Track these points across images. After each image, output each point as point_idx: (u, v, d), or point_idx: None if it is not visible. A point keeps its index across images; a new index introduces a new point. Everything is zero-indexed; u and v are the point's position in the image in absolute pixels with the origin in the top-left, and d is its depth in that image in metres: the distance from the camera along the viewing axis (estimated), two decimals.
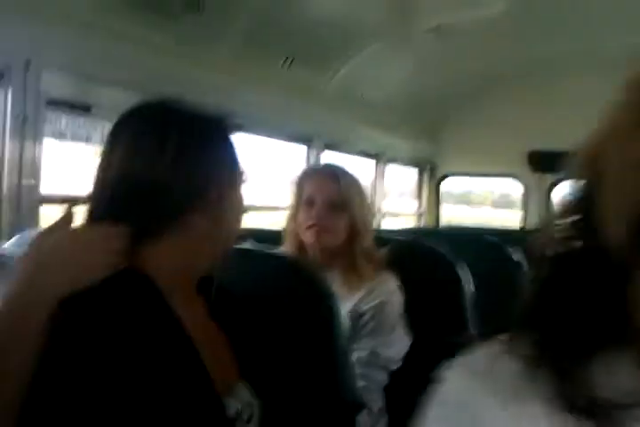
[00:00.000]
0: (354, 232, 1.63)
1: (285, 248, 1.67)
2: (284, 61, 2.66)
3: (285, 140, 3.03)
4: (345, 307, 1.50)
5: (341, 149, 3.30)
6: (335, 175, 1.65)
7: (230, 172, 0.90)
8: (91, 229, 0.85)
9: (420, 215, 4.39)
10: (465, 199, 5.30)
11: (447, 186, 4.44)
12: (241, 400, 0.90)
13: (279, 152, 3.08)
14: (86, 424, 0.72)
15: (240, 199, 0.93)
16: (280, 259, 1.31)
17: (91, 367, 0.74)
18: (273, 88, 2.64)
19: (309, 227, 1.61)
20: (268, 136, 2.86)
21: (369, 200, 1.75)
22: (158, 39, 2.03)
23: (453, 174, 4.35)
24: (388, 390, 1.62)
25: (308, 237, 1.62)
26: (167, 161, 0.83)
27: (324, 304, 1.11)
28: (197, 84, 2.07)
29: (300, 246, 1.65)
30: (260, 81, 2.54)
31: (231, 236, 0.94)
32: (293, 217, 1.67)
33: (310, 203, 1.64)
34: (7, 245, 1.19)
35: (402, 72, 3.39)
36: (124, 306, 0.79)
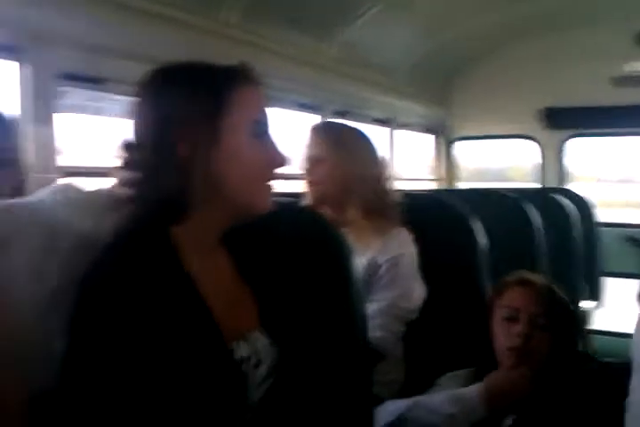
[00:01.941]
0: (346, 182, 1.66)
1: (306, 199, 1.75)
2: (290, 27, 2.66)
3: (295, 109, 3.04)
4: (361, 261, 1.55)
5: (351, 115, 3.30)
6: (316, 130, 1.74)
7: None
8: None
9: (436, 180, 4.40)
10: (480, 176, 5.25)
11: (463, 152, 4.41)
12: (253, 346, 0.95)
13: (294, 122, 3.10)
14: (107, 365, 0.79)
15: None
16: (298, 209, 1.36)
17: (108, 315, 0.81)
18: (278, 56, 2.65)
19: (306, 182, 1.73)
20: (278, 106, 2.87)
21: (375, 153, 1.78)
22: (167, 10, 2.04)
23: (466, 138, 4.32)
24: (405, 340, 1.67)
25: (319, 190, 1.71)
26: None
27: (338, 254, 1.15)
28: (206, 52, 2.08)
29: (316, 199, 1.72)
30: (266, 49, 2.54)
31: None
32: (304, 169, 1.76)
33: (307, 158, 1.73)
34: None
35: (407, 34, 3.37)
36: (138, 258, 0.87)
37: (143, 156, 0.91)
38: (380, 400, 1.42)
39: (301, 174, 1.74)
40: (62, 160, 1.69)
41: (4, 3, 1.59)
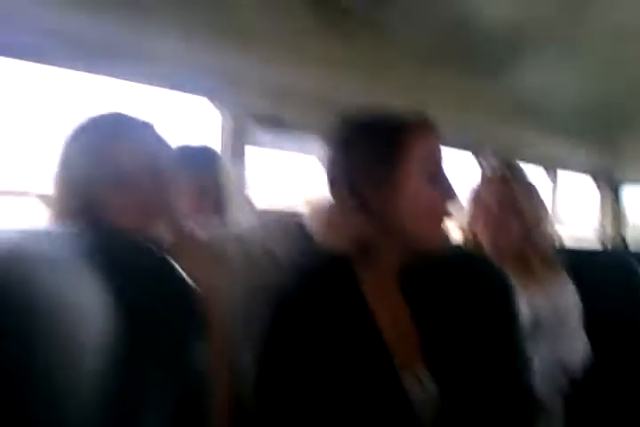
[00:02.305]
0: (526, 233, 1.65)
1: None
2: (456, 72, 2.72)
3: (457, 148, 3.07)
4: (524, 310, 1.52)
5: (513, 157, 3.26)
6: (506, 177, 1.71)
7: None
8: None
9: (599, 228, 4.17)
10: None
11: (630, 201, 4.15)
12: (418, 378, 1.01)
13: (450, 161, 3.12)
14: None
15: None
16: (465, 252, 1.38)
17: (297, 334, 0.95)
18: (445, 99, 2.70)
19: (483, 227, 1.69)
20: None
21: (542, 203, 1.76)
22: (346, 56, 2.19)
23: (634, 183, 4.07)
24: (566, 398, 1.59)
25: (481, 236, 1.70)
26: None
27: (505, 298, 1.16)
28: (384, 95, 2.20)
29: (479, 246, 1.72)
30: (432, 93, 2.62)
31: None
32: (469, 219, 1.76)
33: (483, 205, 1.71)
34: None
35: (576, 77, 3.28)
36: (325, 287, 1.00)
37: (331, 195, 1.01)
38: None
39: (480, 218, 1.74)
40: (252, 192, 1.87)
41: (205, 52, 1.80)
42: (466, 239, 1.76)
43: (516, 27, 2.67)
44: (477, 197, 1.75)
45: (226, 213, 1.50)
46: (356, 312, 0.98)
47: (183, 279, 0.66)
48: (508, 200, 1.68)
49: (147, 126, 1.14)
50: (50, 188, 1.09)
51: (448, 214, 1.05)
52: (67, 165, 1.07)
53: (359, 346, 0.95)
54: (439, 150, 1.06)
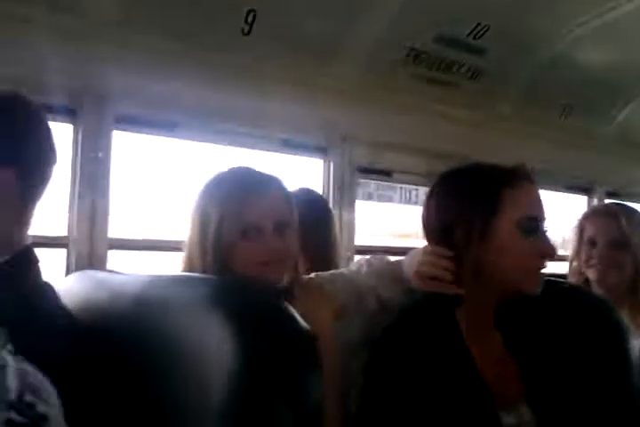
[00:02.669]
0: (637, 267, 1.64)
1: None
2: (562, 112, 2.73)
3: (563, 191, 3.03)
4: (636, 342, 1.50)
5: (625, 196, 3.17)
6: (615, 214, 1.69)
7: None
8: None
9: None
10: None
11: None
12: (520, 418, 1.02)
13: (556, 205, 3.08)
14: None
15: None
16: (572, 286, 1.38)
17: (396, 374, 0.99)
18: (552, 140, 2.71)
19: (591, 266, 1.68)
20: (547, 189, 2.90)
21: None
22: (443, 108, 2.29)
23: None
24: None
25: (592, 275, 1.68)
26: None
27: (616, 335, 1.16)
28: (479, 143, 2.27)
29: (585, 284, 1.70)
30: (537, 135, 2.63)
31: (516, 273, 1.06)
32: (577, 256, 1.74)
33: (592, 243, 1.69)
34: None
35: None
36: (426, 329, 1.04)
37: (429, 241, 1.11)
38: None
39: (590, 258, 1.71)
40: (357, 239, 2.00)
41: (317, 111, 1.97)
42: (573, 277, 1.75)
43: (623, 68, 2.66)
44: (583, 234, 1.73)
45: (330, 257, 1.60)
46: (454, 352, 1.02)
47: (301, 328, 0.75)
48: (616, 235, 1.65)
49: (273, 179, 1.19)
50: (184, 238, 1.17)
51: (543, 267, 1.05)
52: (201, 215, 1.14)
53: (458, 384, 0.98)
54: (537, 203, 1.07)
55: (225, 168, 1.23)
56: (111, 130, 1.58)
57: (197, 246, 1.15)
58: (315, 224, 1.54)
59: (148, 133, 1.69)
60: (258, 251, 1.14)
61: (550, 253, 1.04)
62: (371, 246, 2.10)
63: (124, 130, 1.64)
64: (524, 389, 1.06)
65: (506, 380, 1.06)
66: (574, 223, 1.79)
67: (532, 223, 1.04)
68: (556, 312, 1.19)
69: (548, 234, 1.07)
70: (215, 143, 1.82)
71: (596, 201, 3.05)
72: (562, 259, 1.87)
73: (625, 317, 1.52)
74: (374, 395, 1.00)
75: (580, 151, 2.89)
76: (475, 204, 1.06)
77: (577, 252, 1.75)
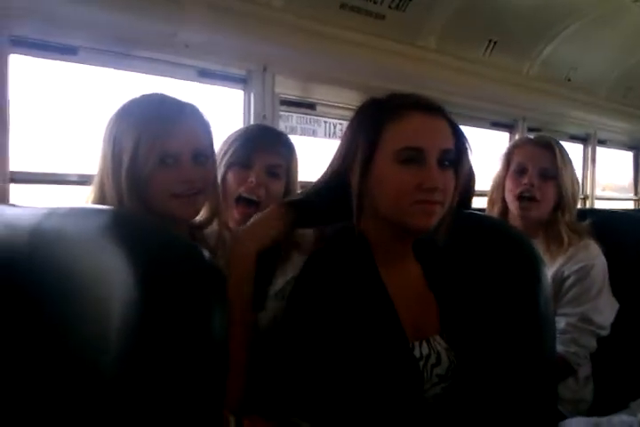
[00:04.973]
0: (561, 203, 1.66)
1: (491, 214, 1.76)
2: (486, 48, 2.72)
3: (487, 127, 3.07)
4: (548, 272, 1.57)
5: (547, 132, 3.25)
6: (549, 144, 1.69)
7: None
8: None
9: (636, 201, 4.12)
10: None
11: None
12: (433, 348, 1.05)
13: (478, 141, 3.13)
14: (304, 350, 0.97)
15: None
16: (492, 221, 1.41)
17: (315, 312, 0.98)
18: (475, 76, 2.71)
19: (518, 197, 1.68)
20: (470, 125, 2.93)
21: (575, 174, 1.75)
22: (369, 39, 2.23)
23: None
24: (594, 359, 1.63)
25: (516, 207, 1.69)
26: None
27: (529, 265, 1.19)
28: (405, 77, 2.24)
29: (505, 214, 1.73)
30: (462, 70, 2.63)
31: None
32: (500, 186, 1.75)
33: (521, 171, 1.69)
34: None
35: (610, 48, 3.23)
36: (338, 257, 1.03)
37: (326, 172, 1.09)
38: (564, 418, 1.43)
39: (517, 187, 1.71)
40: None
41: (234, 40, 1.87)
42: (492, 207, 1.77)
43: (548, 3, 2.65)
44: (512, 163, 1.72)
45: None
46: (368, 285, 1.01)
47: (202, 258, 0.70)
48: (548, 165, 1.66)
49: (190, 107, 1.15)
50: (95, 169, 1.13)
51: (428, 200, 1.00)
52: (114, 144, 1.09)
53: (371, 316, 0.98)
54: (425, 134, 1.02)
55: (137, 95, 1.16)
56: (7, 53, 1.44)
57: (111, 176, 1.11)
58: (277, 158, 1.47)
59: (49, 58, 1.55)
60: (174, 181, 1.11)
61: (429, 184, 0.99)
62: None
63: (22, 54, 1.50)
64: (439, 320, 1.08)
65: (422, 311, 1.07)
66: (502, 152, 1.79)
67: (411, 154, 1.00)
68: (475, 246, 1.22)
69: (448, 168, 1.02)
70: (126, 70, 1.70)
71: (517, 137, 3.11)
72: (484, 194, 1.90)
73: (539, 246, 1.58)
74: (291, 331, 1.00)
75: (504, 87, 2.91)
76: (362, 133, 1.03)
77: (501, 180, 1.76)
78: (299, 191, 1.37)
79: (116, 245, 0.67)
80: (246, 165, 1.35)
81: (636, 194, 4.14)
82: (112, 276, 0.66)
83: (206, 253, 0.70)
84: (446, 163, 1.02)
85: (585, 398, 1.64)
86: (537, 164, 1.68)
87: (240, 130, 1.45)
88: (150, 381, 0.64)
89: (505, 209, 1.74)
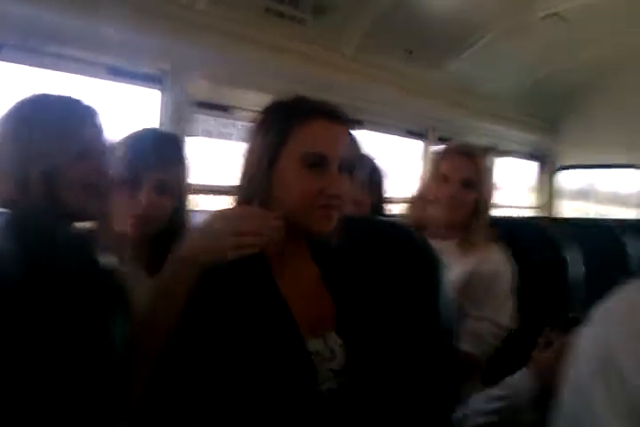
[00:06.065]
0: (478, 209, 1.75)
1: (409, 218, 1.83)
2: (402, 57, 2.81)
3: (402, 135, 3.17)
4: (457, 270, 1.64)
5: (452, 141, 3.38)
6: (471, 154, 1.78)
7: None
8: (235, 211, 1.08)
9: (537, 209, 4.35)
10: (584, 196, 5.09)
11: (566, 181, 4.35)
12: (326, 343, 1.07)
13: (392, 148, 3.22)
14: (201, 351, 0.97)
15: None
16: (395, 227, 1.46)
17: (207, 313, 0.98)
18: (391, 84, 2.79)
19: (439, 202, 1.75)
20: (386, 132, 3.01)
21: (493, 181, 1.84)
22: (288, 44, 2.25)
23: (571, 167, 4.26)
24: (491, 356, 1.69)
25: (437, 211, 1.76)
26: None
27: (429, 268, 1.25)
28: (322, 83, 2.27)
29: (423, 217, 1.80)
30: (379, 78, 2.70)
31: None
32: (422, 191, 1.83)
33: (444, 179, 1.76)
34: None
35: (516, 63, 3.41)
36: (233, 268, 1.01)
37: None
38: None
39: (440, 194, 1.76)
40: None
41: (151, 39, 1.85)
42: (414, 210, 1.84)
43: (461, 16, 2.76)
44: (438, 170, 1.79)
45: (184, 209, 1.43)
46: (261, 284, 1.03)
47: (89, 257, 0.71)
48: (470, 174, 1.73)
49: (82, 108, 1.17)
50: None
51: (329, 203, 1.02)
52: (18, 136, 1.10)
53: (266, 315, 1.00)
54: (331, 141, 1.04)
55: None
56: None
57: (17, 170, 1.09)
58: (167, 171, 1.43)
59: None
60: (86, 171, 1.13)
61: (332, 190, 1.02)
62: (213, 186, 2.05)
63: None
64: (335, 317, 1.11)
65: (317, 309, 1.09)
66: (432, 158, 1.86)
67: (316, 159, 1.02)
68: (376, 249, 1.26)
69: (346, 175, 1.05)
70: (37, 67, 1.64)
71: (429, 146, 3.22)
72: (397, 201, 1.96)
73: (453, 249, 1.70)
74: (185, 334, 0.99)
75: (417, 97, 3.01)
76: (269, 135, 1.04)
77: (424, 186, 1.84)
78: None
79: (11, 239, 0.67)
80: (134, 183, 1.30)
81: (539, 202, 4.38)
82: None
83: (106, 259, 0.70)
84: (346, 169, 1.06)
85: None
86: (459, 173, 1.75)
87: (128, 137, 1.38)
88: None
89: (424, 213, 1.82)
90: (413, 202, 1.86)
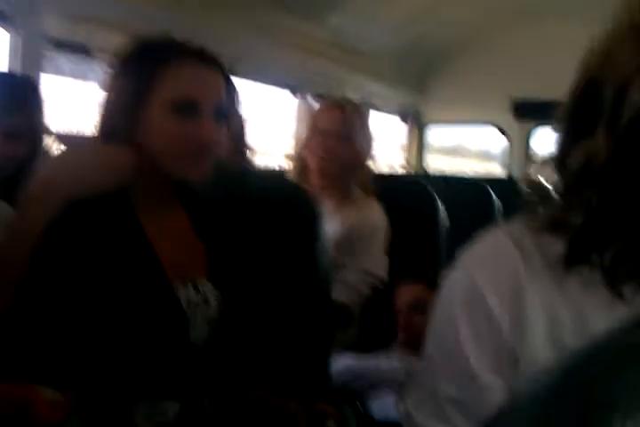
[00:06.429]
0: (356, 162, 1.78)
1: (290, 172, 1.83)
2: (280, 9, 2.72)
3: (278, 86, 3.11)
4: (335, 224, 1.66)
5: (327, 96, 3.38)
6: (344, 107, 1.78)
7: None
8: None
9: (405, 164, 4.50)
10: (451, 152, 5.36)
11: (434, 138, 4.53)
12: (200, 290, 1.05)
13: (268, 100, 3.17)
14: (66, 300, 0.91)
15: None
16: (275, 178, 1.44)
17: (67, 257, 0.93)
18: (265, 37, 2.71)
19: (317, 155, 1.77)
20: (259, 81, 2.94)
21: (371, 134, 1.87)
22: None
23: (437, 123, 4.43)
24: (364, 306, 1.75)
25: (313, 164, 1.77)
26: None
27: (306, 218, 1.25)
28: (197, 30, 2.14)
29: (304, 171, 1.81)
30: (255, 29, 2.60)
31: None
32: (301, 145, 1.83)
33: (321, 133, 1.77)
34: None
35: (392, 21, 3.45)
36: (97, 208, 0.97)
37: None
38: None
39: (317, 147, 1.78)
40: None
41: None
42: (294, 165, 1.84)
43: None
44: (314, 124, 1.80)
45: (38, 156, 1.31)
46: (126, 229, 0.98)
47: None
48: (342, 127, 1.75)
49: None
50: None
51: (200, 150, 0.98)
52: None
53: (131, 259, 0.96)
54: (201, 86, 0.99)
55: None
56: None
57: None
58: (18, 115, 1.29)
59: None
60: None
61: (204, 138, 0.97)
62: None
63: None
64: (207, 265, 1.08)
65: (187, 255, 1.06)
66: (307, 112, 1.85)
67: (186, 105, 0.97)
68: (253, 199, 1.23)
69: (220, 122, 1.00)
70: None
71: (304, 101, 3.19)
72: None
73: (331, 200, 1.74)
74: (37, 274, 0.92)
75: (295, 50, 2.95)
76: (134, 78, 0.97)
77: (303, 139, 1.83)
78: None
79: None
80: None
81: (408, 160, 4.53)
82: None
83: None
84: (219, 116, 1.00)
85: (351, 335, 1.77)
86: (334, 126, 1.76)
87: None
88: None
89: (304, 166, 1.81)
90: (292, 156, 1.86)
